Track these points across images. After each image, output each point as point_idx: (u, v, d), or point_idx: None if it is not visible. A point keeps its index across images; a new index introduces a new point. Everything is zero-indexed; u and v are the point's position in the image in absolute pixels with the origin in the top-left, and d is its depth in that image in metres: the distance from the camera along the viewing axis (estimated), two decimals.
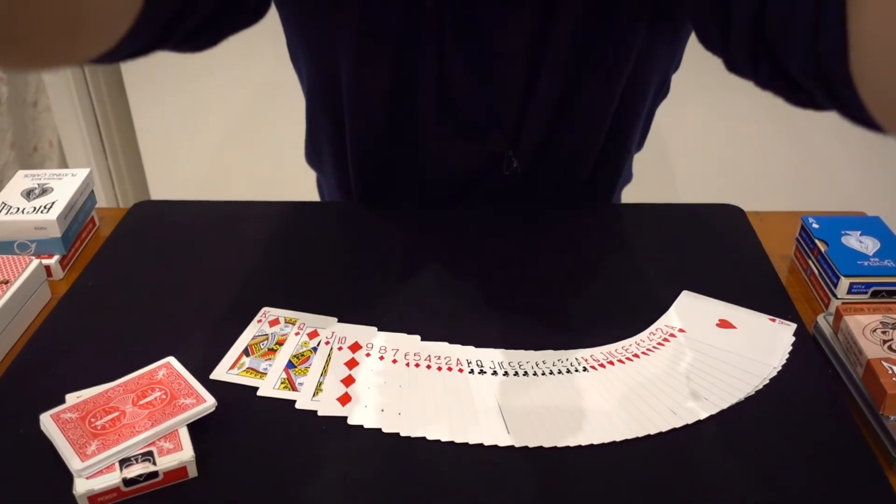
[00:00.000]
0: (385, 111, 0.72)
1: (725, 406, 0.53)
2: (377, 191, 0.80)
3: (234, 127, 1.53)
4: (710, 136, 1.53)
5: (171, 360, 0.55)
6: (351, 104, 0.72)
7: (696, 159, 1.57)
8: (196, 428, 0.51)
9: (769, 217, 0.77)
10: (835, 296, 0.62)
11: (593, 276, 0.67)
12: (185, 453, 0.48)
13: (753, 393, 0.54)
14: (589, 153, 0.76)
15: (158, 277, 0.68)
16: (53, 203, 0.71)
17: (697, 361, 0.57)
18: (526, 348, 0.59)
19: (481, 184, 0.78)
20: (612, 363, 0.57)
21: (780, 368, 0.56)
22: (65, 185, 0.73)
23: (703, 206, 0.78)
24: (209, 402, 0.51)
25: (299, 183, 1.57)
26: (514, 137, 0.73)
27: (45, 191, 0.72)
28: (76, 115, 1.39)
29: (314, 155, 0.86)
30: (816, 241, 0.66)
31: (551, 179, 0.78)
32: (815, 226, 0.67)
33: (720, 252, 0.71)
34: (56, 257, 0.70)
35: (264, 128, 1.51)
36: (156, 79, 1.46)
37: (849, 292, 0.62)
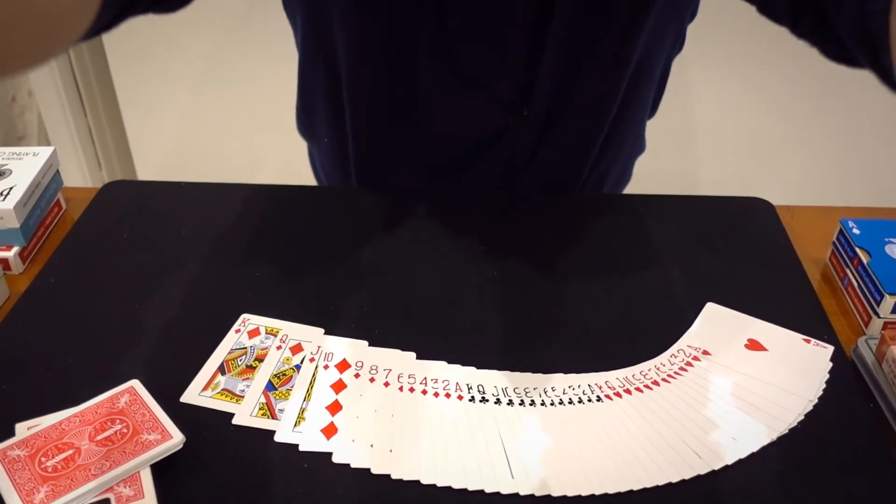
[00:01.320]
0: (381, 57, 0.65)
1: (756, 449, 0.47)
2: (376, 156, 0.73)
3: (222, 92, 1.44)
4: (734, 115, 1.40)
5: (135, 383, 0.49)
6: (346, 51, 0.65)
7: (719, 138, 1.44)
8: (161, 467, 0.45)
9: (801, 213, 0.71)
10: (877, 314, 0.56)
11: (607, 283, 0.61)
12: (146, 502, 0.42)
13: (786, 432, 0.49)
14: (603, 112, 0.69)
15: (128, 273, 0.61)
16: (11, 188, 0.64)
17: (724, 392, 0.51)
18: (532, 368, 0.53)
19: (489, 149, 0.71)
20: (628, 392, 0.51)
21: (815, 402, 0.51)
22: (25, 167, 0.66)
23: (728, 199, 0.71)
24: (176, 438, 0.45)
25: (291, 155, 1.49)
26: (525, 91, 0.66)
27: (2, 173, 0.65)
28: (51, 70, 1.30)
29: (306, 120, 0.79)
30: (857, 250, 0.59)
31: (563, 143, 0.71)
32: (856, 231, 0.61)
33: (747, 254, 0.64)
34: (15, 249, 0.63)
35: (257, 96, 1.42)
36: (136, 39, 1.36)
37: (893, 311, 0.55)
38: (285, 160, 1.46)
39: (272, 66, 1.34)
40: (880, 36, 0.38)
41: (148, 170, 1.53)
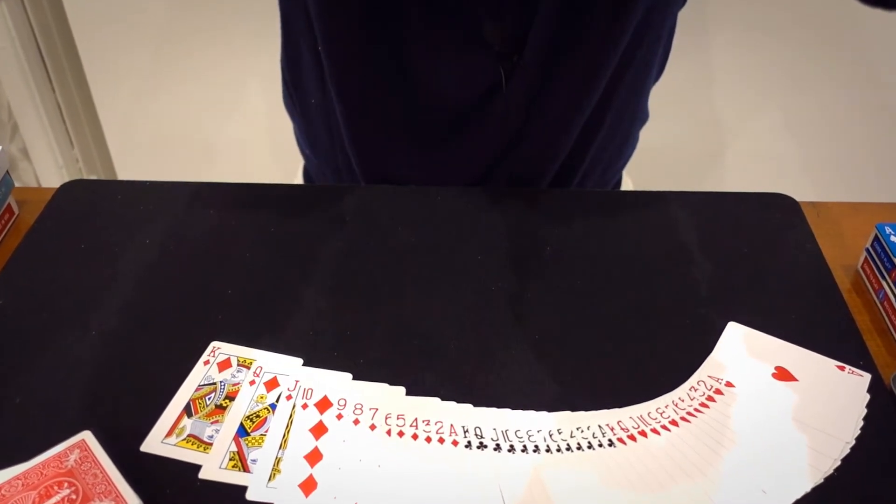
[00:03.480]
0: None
1: (790, 503, 0.42)
2: (362, 119, 0.68)
3: (197, 59, 1.35)
4: (757, 92, 1.29)
5: (87, 436, 0.43)
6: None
7: (739, 115, 1.34)
8: None
9: (828, 210, 0.64)
10: None
11: (616, 297, 0.55)
12: None
13: (822, 482, 0.43)
14: (601, 71, 0.63)
15: (86, 293, 0.55)
16: None
17: (751, 435, 0.46)
18: (535, 403, 0.48)
19: (482, 109, 0.66)
20: (644, 434, 0.46)
21: (853, 444, 0.45)
22: None
23: (747, 195, 0.65)
24: None
25: (279, 149, 1.40)
26: (519, 41, 0.61)
27: None
28: (12, 40, 1.21)
29: (292, 80, 0.73)
30: None
31: (558, 104, 0.65)
32: (894, 238, 0.54)
33: (769, 260, 0.58)
34: None
35: (238, 65, 1.33)
36: (100, 3, 1.27)
37: None
38: (268, 130, 1.38)
39: (257, 36, 1.26)
40: None
41: (121, 144, 1.45)
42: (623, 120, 0.73)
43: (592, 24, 0.60)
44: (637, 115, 0.77)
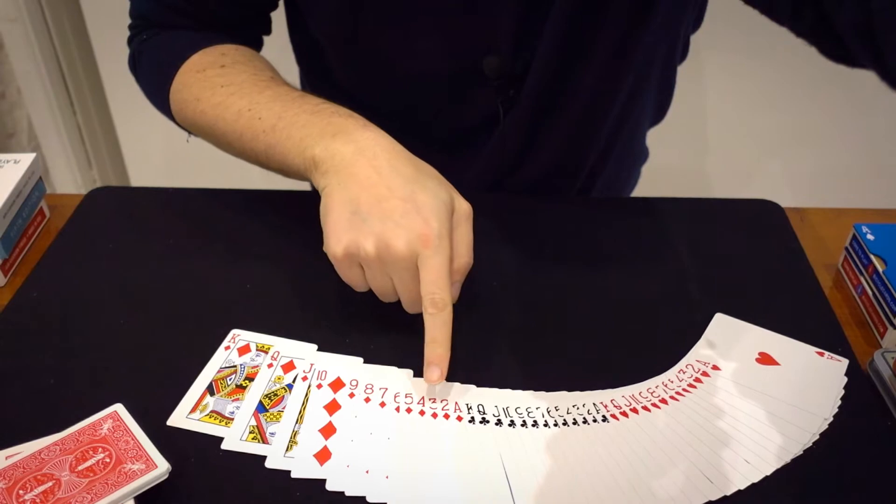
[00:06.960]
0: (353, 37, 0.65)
1: (770, 472, 0.45)
2: None
3: None
4: (744, 110, 1.35)
5: (119, 408, 0.47)
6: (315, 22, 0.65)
7: (728, 134, 1.38)
8: (146, 498, 0.43)
9: (811, 215, 0.68)
10: (893, 326, 0.54)
11: (611, 292, 0.59)
12: None
13: (801, 453, 0.47)
14: (602, 110, 0.67)
15: (113, 286, 0.59)
16: None
17: (736, 411, 0.49)
18: (535, 385, 0.51)
19: (479, 132, 0.69)
20: (635, 411, 0.49)
21: (830, 420, 0.48)
22: (5, 176, 0.64)
23: (735, 201, 0.69)
24: (161, 468, 0.43)
25: None
26: (519, 78, 0.64)
27: None
28: (37, 65, 1.27)
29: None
30: (872, 257, 0.57)
31: (554, 146, 0.69)
32: (870, 237, 0.58)
33: (756, 259, 0.62)
34: None
35: None
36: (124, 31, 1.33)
37: None
38: None
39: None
40: (886, 34, 0.38)
41: (139, 166, 1.50)
42: (623, 163, 0.77)
43: (591, 66, 0.63)
44: (637, 157, 0.81)
